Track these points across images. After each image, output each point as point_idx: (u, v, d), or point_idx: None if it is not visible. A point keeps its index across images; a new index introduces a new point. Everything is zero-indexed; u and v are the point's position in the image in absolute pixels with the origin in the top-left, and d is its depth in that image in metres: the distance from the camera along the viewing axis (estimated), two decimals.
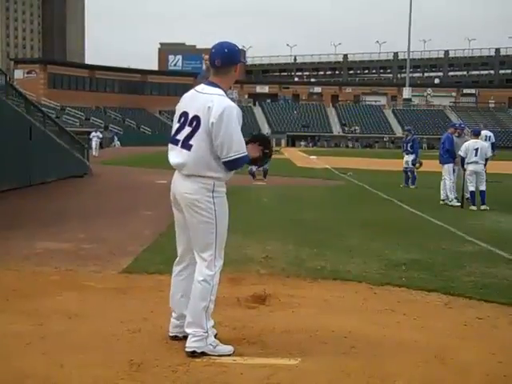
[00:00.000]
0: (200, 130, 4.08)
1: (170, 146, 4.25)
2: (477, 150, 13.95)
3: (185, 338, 4.25)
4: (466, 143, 14.48)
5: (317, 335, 4.71)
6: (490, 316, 5.41)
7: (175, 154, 4.20)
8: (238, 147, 4.07)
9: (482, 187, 13.98)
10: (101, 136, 45.26)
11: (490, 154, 14.38)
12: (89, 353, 4.19)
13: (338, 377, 3.90)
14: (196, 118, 4.10)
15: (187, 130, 4.14)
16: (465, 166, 14.01)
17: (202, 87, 4.23)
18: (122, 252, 8.07)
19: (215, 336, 4.33)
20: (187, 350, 4.16)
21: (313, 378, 3.87)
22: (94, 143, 42.07)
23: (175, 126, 4.25)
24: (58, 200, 14.93)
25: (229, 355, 4.18)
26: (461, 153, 14.17)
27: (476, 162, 13.94)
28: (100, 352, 4.22)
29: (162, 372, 3.89)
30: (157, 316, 5.05)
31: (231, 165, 4.13)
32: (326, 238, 9.37)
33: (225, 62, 4.17)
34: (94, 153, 38.39)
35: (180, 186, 4.20)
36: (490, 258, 8.07)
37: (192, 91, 4.32)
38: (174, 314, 4.50)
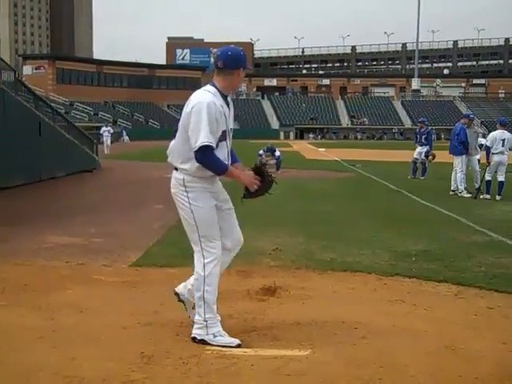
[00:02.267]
0: (180, 123, 4.32)
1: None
2: (504, 140, 13.90)
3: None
4: (492, 133, 14.41)
5: (327, 326, 4.72)
6: (501, 306, 5.40)
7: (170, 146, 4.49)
8: (205, 137, 4.11)
9: (502, 178, 13.94)
10: (112, 131, 41.92)
11: None
12: (100, 346, 4.21)
13: (348, 367, 3.90)
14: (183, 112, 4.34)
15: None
16: (490, 156, 13.92)
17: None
18: (132, 246, 8.10)
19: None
20: (191, 335, 4.35)
21: (323, 369, 3.87)
22: (105, 139, 39.26)
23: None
24: (67, 195, 14.99)
25: (232, 347, 4.21)
26: (487, 143, 14.11)
27: (502, 153, 13.90)
28: (111, 345, 4.24)
29: (173, 364, 3.91)
30: (167, 309, 5.07)
31: (198, 155, 4.15)
32: (336, 230, 9.36)
33: (227, 65, 4.28)
34: (105, 150, 36.12)
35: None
36: (501, 248, 8.05)
37: None
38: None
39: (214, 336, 4.28)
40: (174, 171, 4.40)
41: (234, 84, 4.40)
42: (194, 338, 4.32)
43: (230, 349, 4.18)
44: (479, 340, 4.46)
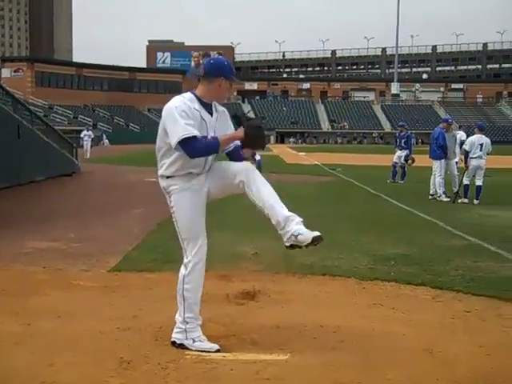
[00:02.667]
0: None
1: None
2: (482, 144, 14.06)
3: None
4: (470, 138, 14.55)
5: (306, 330, 4.73)
6: (478, 309, 5.46)
7: None
8: (183, 130, 4.08)
9: (479, 182, 14.08)
10: (92, 135, 41.09)
11: (491, 149, 14.45)
12: (78, 351, 4.19)
13: (327, 371, 3.92)
14: None
15: None
16: (468, 161, 14.06)
17: None
18: (112, 250, 8.05)
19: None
20: (171, 339, 4.34)
21: (302, 373, 3.89)
22: (86, 143, 38.40)
23: None
24: (47, 199, 14.88)
25: (211, 352, 4.20)
26: (466, 147, 14.25)
27: (480, 157, 14.06)
28: (89, 350, 4.22)
29: (152, 369, 3.90)
30: (146, 314, 5.05)
31: (183, 147, 4.12)
32: None
33: (208, 73, 4.29)
34: (85, 155, 35.16)
35: None
36: (478, 252, 8.12)
37: None
38: None
39: (194, 341, 4.26)
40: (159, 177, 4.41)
41: (215, 92, 4.32)
42: (173, 342, 4.31)
43: (209, 353, 4.18)
44: (456, 343, 4.50)
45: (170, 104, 4.24)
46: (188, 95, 4.31)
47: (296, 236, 4.48)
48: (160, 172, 4.34)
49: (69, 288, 6.06)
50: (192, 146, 4.11)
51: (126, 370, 3.89)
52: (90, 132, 40.77)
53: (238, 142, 4.36)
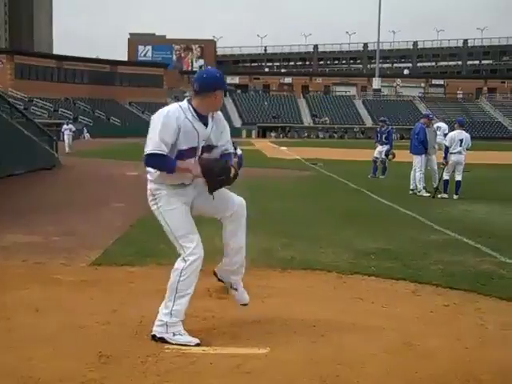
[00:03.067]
0: None
1: None
2: (461, 140, 14.16)
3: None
4: (450, 133, 14.64)
5: (286, 324, 4.75)
6: (457, 303, 5.51)
7: None
8: (153, 146, 4.20)
9: (459, 177, 14.19)
10: (74, 129, 39.51)
11: (470, 144, 14.55)
12: (57, 346, 4.16)
13: (307, 365, 3.94)
14: None
15: None
16: (447, 156, 14.15)
17: None
18: (92, 244, 8.01)
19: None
20: (151, 333, 4.35)
21: (282, 367, 3.90)
22: (67, 137, 36.99)
23: None
24: (26, 193, 14.75)
25: (190, 345, 4.21)
26: (446, 143, 14.34)
27: (460, 153, 14.15)
28: (68, 344, 4.20)
29: (132, 363, 3.89)
30: (126, 308, 5.04)
31: (146, 161, 4.27)
32: (296, 229, 9.42)
33: (202, 87, 4.31)
34: (66, 149, 34.16)
35: None
36: (457, 246, 8.20)
37: None
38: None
39: (174, 334, 4.27)
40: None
41: (211, 105, 4.37)
42: (153, 336, 4.31)
43: (189, 347, 4.18)
44: (435, 336, 4.54)
45: (161, 110, 4.33)
46: (185, 104, 4.35)
47: (233, 287, 4.88)
48: (149, 176, 4.41)
49: (48, 282, 6.02)
50: (150, 160, 4.26)
51: (106, 364, 3.88)
52: (70, 126, 39.52)
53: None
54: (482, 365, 4.02)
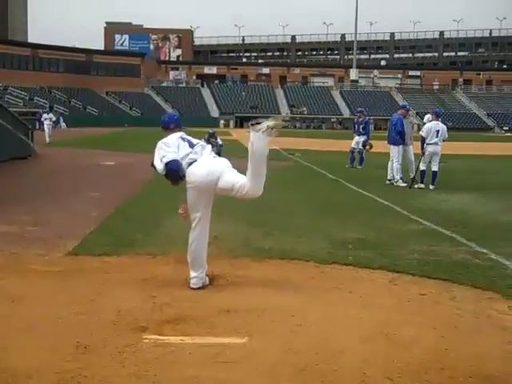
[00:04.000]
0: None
1: None
2: (438, 131, 14.24)
3: None
4: (428, 124, 14.72)
5: (264, 314, 4.75)
6: (433, 292, 5.56)
7: None
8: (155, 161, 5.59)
9: (435, 168, 14.29)
10: (54, 118, 37.45)
11: (447, 136, 14.64)
12: (33, 336, 4.13)
13: (285, 354, 3.95)
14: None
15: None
16: (424, 146, 14.24)
17: None
18: (68, 234, 7.94)
19: None
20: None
21: (260, 356, 3.91)
22: (47, 127, 34.80)
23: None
24: (0, 182, 14.56)
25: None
26: (422, 133, 14.43)
27: (436, 144, 14.23)
28: (45, 335, 4.17)
29: (109, 353, 3.87)
30: (103, 298, 5.01)
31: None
32: (274, 219, 9.43)
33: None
34: (46, 139, 32.58)
35: None
36: (433, 236, 8.27)
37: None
38: None
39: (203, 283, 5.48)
40: None
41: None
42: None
43: (167, 337, 4.17)
44: (411, 325, 4.58)
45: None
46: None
47: None
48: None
49: (24, 272, 5.96)
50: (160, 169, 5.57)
51: (83, 354, 3.85)
52: (50, 115, 37.36)
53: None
54: (458, 353, 4.07)
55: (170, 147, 5.56)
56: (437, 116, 14.84)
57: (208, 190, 5.47)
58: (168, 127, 5.94)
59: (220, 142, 21.23)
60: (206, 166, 5.48)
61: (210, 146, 5.87)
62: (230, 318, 4.63)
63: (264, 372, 3.70)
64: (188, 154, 5.53)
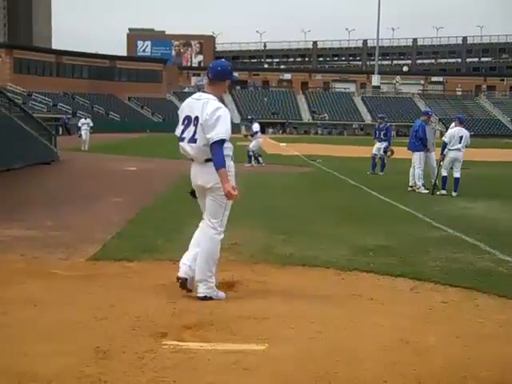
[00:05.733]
0: (199, 127, 5.15)
1: (180, 143, 5.31)
2: (461, 137, 14.14)
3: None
4: (450, 130, 14.64)
5: (284, 321, 4.73)
6: (455, 300, 5.50)
7: (187, 149, 5.25)
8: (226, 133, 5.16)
9: (457, 174, 14.17)
10: (91, 124, 34.13)
11: (470, 142, 14.52)
12: (54, 341, 4.14)
13: (304, 361, 3.92)
14: (196, 118, 5.18)
15: (192, 129, 5.21)
16: (445, 152, 14.14)
17: (198, 95, 5.34)
18: (90, 239, 7.99)
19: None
20: (198, 295, 5.22)
21: (280, 363, 3.88)
22: (84, 133, 32.51)
23: (180, 127, 5.32)
24: (24, 187, 14.72)
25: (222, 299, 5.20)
26: (445, 139, 14.34)
27: (459, 150, 14.13)
28: (65, 340, 4.18)
29: (129, 359, 3.87)
30: (124, 303, 5.02)
31: (219, 146, 5.08)
32: (295, 225, 9.40)
33: (216, 77, 5.33)
34: (82, 146, 31.46)
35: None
36: (456, 243, 8.18)
37: (190, 99, 5.37)
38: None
39: (217, 293, 5.26)
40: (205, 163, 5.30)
41: (223, 90, 5.52)
42: (204, 297, 5.17)
43: (186, 343, 4.16)
44: (433, 334, 4.53)
45: (217, 104, 5.23)
46: (213, 96, 5.29)
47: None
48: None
49: (46, 277, 6.00)
50: (221, 146, 5.19)
51: (103, 359, 3.86)
52: (88, 120, 34.48)
53: None
54: (481, 362, 4.01)
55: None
56: (460, 122, 14.73)
57: None
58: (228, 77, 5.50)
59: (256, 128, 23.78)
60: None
61: None
62: (249, 325, 4.61)
63: (283, 379, 3.67)
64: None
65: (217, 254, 5.34)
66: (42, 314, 4.77)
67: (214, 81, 5.31)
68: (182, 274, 5.34)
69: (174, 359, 3.89)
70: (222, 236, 5.37)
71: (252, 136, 23.13)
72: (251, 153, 22.62)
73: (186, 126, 5.27)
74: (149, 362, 3.82)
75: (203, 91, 5.35)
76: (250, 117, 25.53)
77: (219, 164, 5.01)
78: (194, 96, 5.38)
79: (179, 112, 5.43)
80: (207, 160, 5.15)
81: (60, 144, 25.05)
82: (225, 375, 3.69)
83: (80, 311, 4.81)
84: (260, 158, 22.83)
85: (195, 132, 5.17)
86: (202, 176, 5.24)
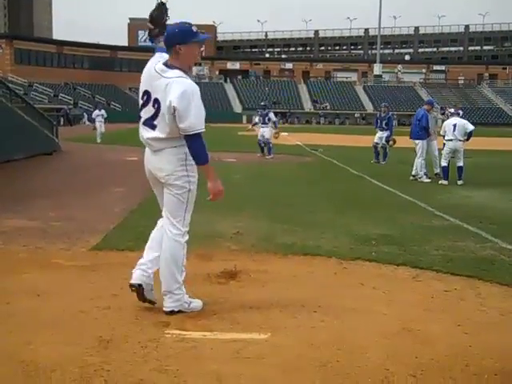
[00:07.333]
0: (161, 112, 4.28)
1: (140, 122, 4.48)
2: (454, 125, 14.03)
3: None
4: (446, 121, 14.61)
5: (287, 310, 4.74)
6: (457, 288, 5.50)
7: (143, 133, 4.47)
8: (201, 124, 4.33)
9: (460, 163, 14.12)
10: (105, 115, 32.41)
11: (470, 128, 14.22)
12: (57, 330, 4.16)
13: (307, 350, 3.93)
14: (156, 100, 4.29)
15: (151, 110, 4.35)
16: (444, 143, 14.11)
17: (161, 69, 4.31)
18: (92, 229, 7.99)
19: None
20: (166, 309, 4.51)
21: (282, 352, 3.89)
22: (98, 124, 31.27)
23: (140, 101, 4.45)
24: (25, 178, 14.72)
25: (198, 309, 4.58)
26: (441, 131, 14.33)
27: (455, 139, 13.99)
28: (68, 329, 4.19)
29: (132, 348, 3.88)
30: (126, 293, 5.00)
31: (196, 140, 4.30)
32: (297, 214, 9.40)
33: (174, 42, 4.26)
34: (98, 139, 30.34)
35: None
36: (458, 232, 8.18)
37: (152, 68, 4.38)
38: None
39: (189, 304, 4.56)
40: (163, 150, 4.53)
41: (189, 59, 4.41)
42: (171, 312, 4.49)
43: (189, 332, 4.17)
44: (435, 322, 4.53)
45: (184, 83, 4.27)
46: (180, 73, 4.32)
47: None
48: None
49: (48, 267, 6.01)
50: (200, 139, 4.37)
51: (106, 349, 3.87)
52: (102, 111, 32.65)
53: None
54: (483, 350, 4.01)
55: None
56: (429, 104, 14.88)
57: None
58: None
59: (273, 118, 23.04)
60: None
61: None
62: (252, 314, 4.62)
63: (286, 368, 3.68)
64: None
65: (183, 259, 4.49)
66: (45, 303, 4.79)
67: (168, 50, 4.30)
68: (134, 279, 4.56)
69: (177, 348, 3.90)
70: (187, 237, 4.53)
71: (263, 126, 22.54)
72: (263, 144, 22.20)
73: (145, 104, 4.40)
74: (152, 352, 3.83)
75: (167, 65, 4.30)
76: (263, 103, 24.33)
77: (201, 160, 4.30)
78: (157, 66, 4.33)
79: (141, 82, 4.49)
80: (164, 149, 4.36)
81: (61, 134, 25.03)
82: (227, 364, 3.69)
83: (82, 301, 4.83)
84: (272, 150, 21.78)
85: (155, 116, 4.32)
86: (154, 162, 4.45)
